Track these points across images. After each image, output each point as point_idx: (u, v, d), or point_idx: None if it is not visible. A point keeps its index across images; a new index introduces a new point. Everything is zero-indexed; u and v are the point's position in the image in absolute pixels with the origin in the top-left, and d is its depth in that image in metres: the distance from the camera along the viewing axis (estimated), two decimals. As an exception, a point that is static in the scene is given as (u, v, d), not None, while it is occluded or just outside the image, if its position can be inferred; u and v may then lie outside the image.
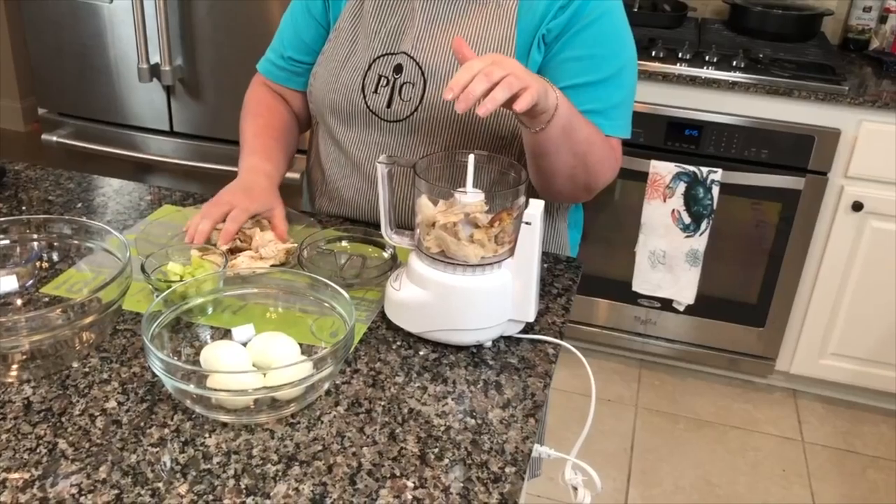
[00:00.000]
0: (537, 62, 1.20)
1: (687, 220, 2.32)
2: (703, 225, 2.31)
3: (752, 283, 2.42)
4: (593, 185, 1.21)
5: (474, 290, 0.99)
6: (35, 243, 1.11)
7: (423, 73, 1.21)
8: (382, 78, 1.24)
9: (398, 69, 1.23)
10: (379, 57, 1.24)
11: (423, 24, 1.22)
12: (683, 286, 2.41)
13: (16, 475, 0.80)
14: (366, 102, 1.25)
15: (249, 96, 1.41)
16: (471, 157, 0.99)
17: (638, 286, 2.45)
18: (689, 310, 2.47)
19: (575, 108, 1.11)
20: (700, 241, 2.33)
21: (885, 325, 2.36)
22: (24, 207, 1.33)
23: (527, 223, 0.99)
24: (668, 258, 2.38)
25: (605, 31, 1.18)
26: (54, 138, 2.46)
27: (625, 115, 1.22)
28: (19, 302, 1.08)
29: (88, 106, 2.45)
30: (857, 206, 2.22)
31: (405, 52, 1.23)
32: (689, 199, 2.30)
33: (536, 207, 1.00)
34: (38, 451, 0.83)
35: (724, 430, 2.44)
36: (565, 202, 1.36)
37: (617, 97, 1.20)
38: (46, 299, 1.08)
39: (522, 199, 0.98)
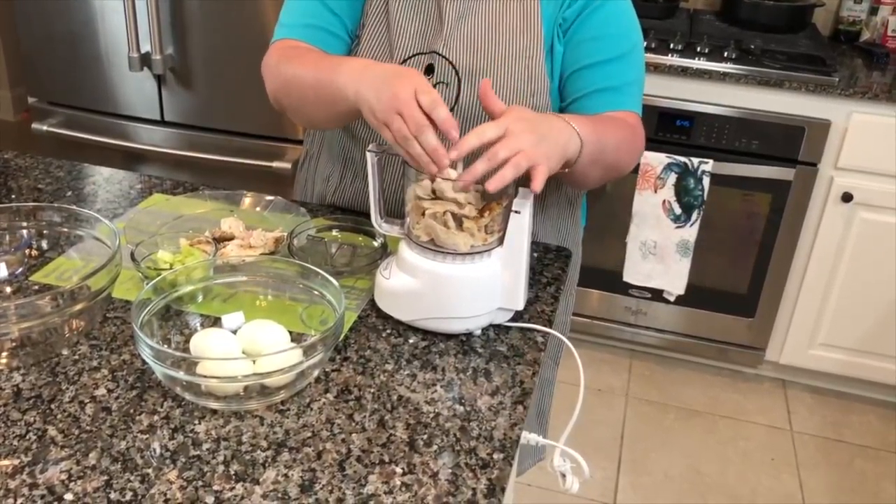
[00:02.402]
0: (560, 53, 1.20)
1: (678, 210, 2.32)
2: (694, 216, 2.32)
3: (743, 273, 2.43)
4: (625, 173, 1.25)
5: (464, 278, 0.99)
6: (24, 231, 1.11)
7: (457, 73, 1.19)
8: None
9: (429, 70, 1.20)
10: (409, 58, 1.21)
11: (452, 23, 1.19)
12: (674, 276, 2.41)
13: (5, 462, 0.80)
14: None
15: (276, 55, 1.20)
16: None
17: (629, 277, 2.46)
18: (680, 300, 2.47)
19: (601, 128, 1.10)
20: (691, 232, 2.34)
21: (873, 316, 2.38)
22: (13, 196, 1.32)
23: (516, 212, 1.00)
24: (658, 249, 2.39)
25: (616, 12, 1.20)
26: (45, 127, 2.45)
27: (638, 93, 1.23)
28: (9, 290, 1.08)
29: (79, 95, 2.44)
30: (847, 197, 2.23)
31: (436, 52, 1.20)
32: (680, 190, 2.30)
33: (526, 197, 1.00)
34: (27, 437, 0.84)
35: (714, 420, 2.45)
36: None
37: (631, 75, 1.21)
38: (36, 287, 1.08)
39: (512, 189, 0.98)
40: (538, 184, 0.93)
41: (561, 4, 1.18)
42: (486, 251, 1.00)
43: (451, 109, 1.20)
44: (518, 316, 1.07)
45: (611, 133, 1.14)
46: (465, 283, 1.00)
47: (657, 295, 2.50)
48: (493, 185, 0.91)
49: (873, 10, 2.59)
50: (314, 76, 1.10)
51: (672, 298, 2.48)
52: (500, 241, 1.01)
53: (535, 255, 1.25)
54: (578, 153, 1.04)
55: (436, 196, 0.98)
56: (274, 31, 1.25)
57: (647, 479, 2.22)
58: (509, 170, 0.92)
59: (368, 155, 1.02)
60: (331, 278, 0.97)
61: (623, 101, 1.20)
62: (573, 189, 1.34)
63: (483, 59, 1.19)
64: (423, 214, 0.99)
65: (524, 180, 1.22)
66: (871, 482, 2.26)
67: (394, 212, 1.15)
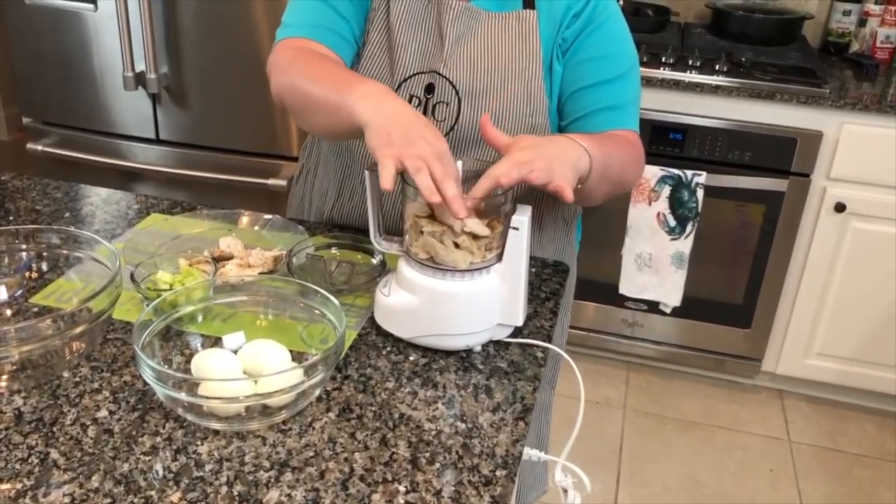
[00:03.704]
0: (559, 73, 1.21)
1: (672, 222, 2.33)
2: (689, 227, 2.33)
3: (738, 284, 2.44)
4: (628, 189, 1.27)
5: (463, 295, 1.00)
6: (24, 253, 1.11)
7: (457, 92, 1.20)
8: (414, 98, 1.22)
9: (429, 89, 1.21)
10: (409, 77, 1.22)
11: (452, 43, 1.20)
12: (670, 288, 2.42)
13: (7, 486, 0.80)
14: None
15: (289, 54, 1.16)
16: (458, 164, 1.00)
17: (625, 289, 2.47)
18: (676, 312, 2.48)
19: (607, 145, 1.11)
20: (685, 244, 2.35)
21: (868, 325, 2.39)
22: (11, 217, 1.33)
23: (514, 228, 1.00)
24: (654, 261, 2.40)
25: (614, 32, 1.22)
26: (40, 147, 2.45)
27: (636, 111, 1.25)
28: (8, 312, 1.07)
29: (73, 114, 2.44)
30: (840, 208, 2.25)
31: (436, 71, 1.20)
32: (675, 202, 2.31)
33: (524, 213, 1.01)
34: (29, 461, 0.84)
35: (712, 431, 2.46)
36: None
37: (630, 93, 1.24)
38: (36, 309, 1.08)
39: (510, 206, 0.99)
40: (569, 194, 0.96)
41: (559, 25, 1.19)
42: (485, 268, 1.00)
43: (452, 129, 1.21)
44: (517, 332, 1.08)
45: (616, 150, 1.15)
46: (464, 299, 1.00)
47: (653, 307, 2.50)
48: (505, 180, 0.93)
49: (862, 22, 2.61)
50: (325, 89, 1.06)
51: (668, 310, 2.49)
52: (499, 258, 1.01)
53: (533, 270, 1.25)
54: (589, 169, 1.05)
55: (432, 214, 0.99)
56: (277, 33, 1.22)
57: (645, 491, 2.22)
58: (514, 169, 0.93)
59: (366, 174, 1.03)
60: (331, 297, 0.97)
61: (623, 119, 1.21)
62: (569, 209, 1.35)
63: (483, 79, 1.20)
64: (422, 232, 0.99)
65: (525, 198, 1.23)
66: (868, 490, 2.26)
67: (392, 229, 1.15)
